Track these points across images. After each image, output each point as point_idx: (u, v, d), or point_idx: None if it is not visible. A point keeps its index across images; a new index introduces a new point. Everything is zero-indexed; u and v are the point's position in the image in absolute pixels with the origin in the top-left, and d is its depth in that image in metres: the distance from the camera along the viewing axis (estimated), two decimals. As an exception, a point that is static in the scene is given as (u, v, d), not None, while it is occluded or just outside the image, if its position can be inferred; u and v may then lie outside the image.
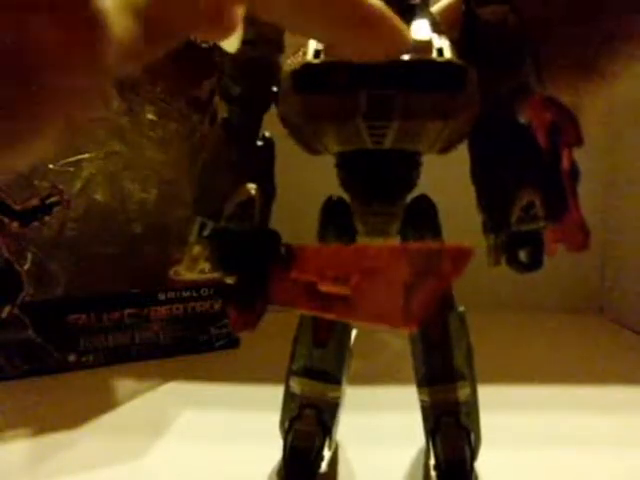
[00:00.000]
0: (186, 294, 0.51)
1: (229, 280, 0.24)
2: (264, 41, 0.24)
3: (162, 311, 0.50)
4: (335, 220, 0.26)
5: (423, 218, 0.26)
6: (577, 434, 0.37)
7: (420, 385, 0.26)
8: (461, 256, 0.16)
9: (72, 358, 0.47)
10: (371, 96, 0.21)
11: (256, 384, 0.43)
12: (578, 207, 0.21)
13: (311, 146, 0.24)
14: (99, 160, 0.49)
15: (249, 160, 0.25)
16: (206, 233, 0.24)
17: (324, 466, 0.31)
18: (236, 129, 0.25)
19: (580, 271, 0.62)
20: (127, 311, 0.49)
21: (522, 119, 0.22)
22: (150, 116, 0.53)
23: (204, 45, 0.51)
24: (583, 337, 0.57)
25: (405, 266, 0.17)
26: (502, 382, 0.43)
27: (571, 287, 0.63)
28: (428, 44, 0.22)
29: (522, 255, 0.21)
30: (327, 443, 0.30)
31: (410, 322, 0.17)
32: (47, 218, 0.46)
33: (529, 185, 0.21)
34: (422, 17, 0.26)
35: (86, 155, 0.48)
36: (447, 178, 0.42)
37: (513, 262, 0.22)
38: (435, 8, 0.29)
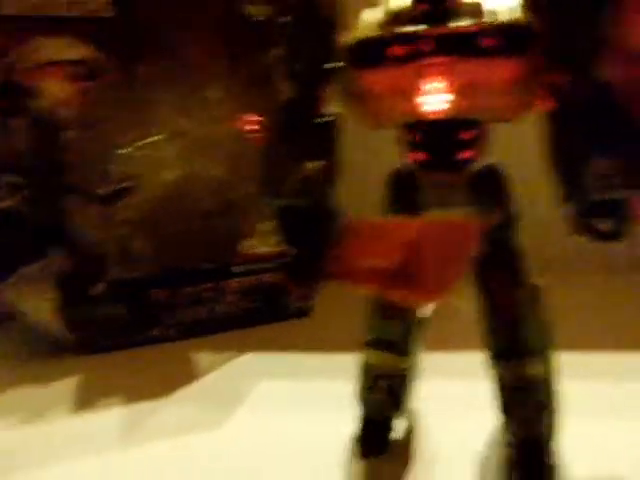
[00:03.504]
0: (257, 266, 0.52)
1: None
2: (318, 19, 0.24)
3: (235, 284, 0.52)
4: (401, 192, 0.26)
5: (491, 188, 0.25)
6: None
7: (489, 360, 0.26)
8: (469, 230, 0.17)
9: (155, 332, 0.50)
10: (427, 66, 0.21)
11: (327, 352, 0.44)
12: None
13: (371, 120, 0.24)
14: (167, 141, 0.51)
15: (311, 137, 0.25)
16: (273, 209, 0.25)
17: (397, 435, 0.31)
18: (298, 106, 0.25)
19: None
20: (203, 285, 0.51)
21: (601, 78, 0.21)
22: (214, 92, 0.54)
23: (259, 18, 0.50)
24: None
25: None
26: (582, 348, 0.42)
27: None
28: (478, 6, 0.21)
29: (602, 224, 0.20)
30: (398, 413, 0.31)
31: (430, 293, 0.18)
32: (124, 202, 0.48)
33: (608, 153, 0.20)
34: None
35: (155, 138, 0.50)
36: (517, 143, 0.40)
37: (593, 231, 0.21)
38: None
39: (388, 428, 0.31)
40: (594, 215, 0.21)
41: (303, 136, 0.25)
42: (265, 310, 0.53)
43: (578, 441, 0.28)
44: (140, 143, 0.49)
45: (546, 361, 0.26)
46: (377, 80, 0.22)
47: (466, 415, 0.34)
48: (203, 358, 0.47)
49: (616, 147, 0.20)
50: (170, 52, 0.51)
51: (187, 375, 0.43)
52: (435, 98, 0.21)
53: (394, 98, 0.22)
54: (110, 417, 0.38)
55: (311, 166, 0.24)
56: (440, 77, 0.21)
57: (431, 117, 0.22)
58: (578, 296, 0.49)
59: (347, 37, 0.23)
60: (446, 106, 0.21)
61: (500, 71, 0.20)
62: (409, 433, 0.33)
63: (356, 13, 0.24)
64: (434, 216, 0.24)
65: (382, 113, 0.23)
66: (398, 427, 0.32)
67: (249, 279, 0.52)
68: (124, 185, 0.48)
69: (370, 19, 0.22)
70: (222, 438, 0.35)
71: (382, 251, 0.21)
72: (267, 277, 0.52)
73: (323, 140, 0.25)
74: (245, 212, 0.54)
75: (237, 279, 0.51)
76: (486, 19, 0.21)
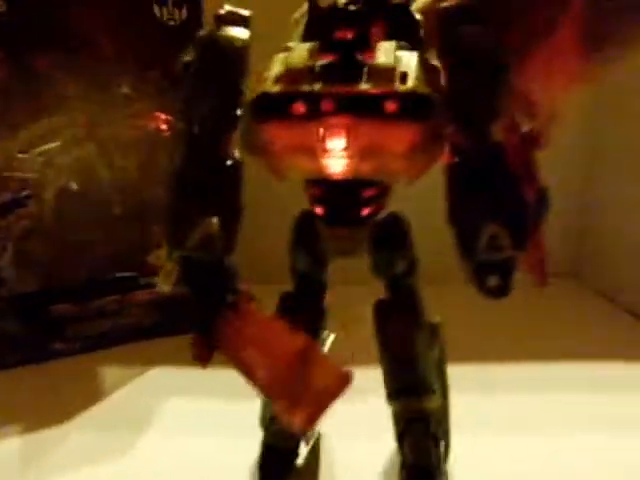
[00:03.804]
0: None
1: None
2: (229, 62, 0.24)
3: (144, 295, 0.51)
4: (305, 238, 0.27)
5: (394, 236, 0.26)
6: (551, 415, 0.38)
7: (388, 396, 0.27)
8: (339, 382, 0.18)
9: (58, 346, 0.48)
10: (329, 125, 0.21)
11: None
12: (540, 244, 0.21)
13: (274, 172, 0.24)
14: (69, 144, 0.48)
15: (214, 183, 0.24)
16: (174, 257, 0.25)
17: (300, 460, 0.32)
18: (201, 150, 0.25)
19: (558, 236, 0.63)
20: (109, 298, 0.49)
21: (493, 146, 0.22)
22: (125, 90, 0.52)
23: (172, 23, 0.49)
24: (559, 303, 0.58)
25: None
26: (479, 360, 0.45)
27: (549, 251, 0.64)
28: (390, 71, 0.21)
29: (491, 281, 0.22)
30: (304, 440, 0.32)
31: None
32: (21, 211, 0.45)
33: (495, 218, 0.21)
34: (397, 28, 0.25)
35: (57, 143, 0.47)
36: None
37: (481, 288, 0.22)
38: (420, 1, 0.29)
39: (291, 455, 0.31)
40: (483, 273, 0.22)
41: (206, 180, 0.24)
42: (173, 322, 0.52)
43: (463, 459, 0.31)
44: (42, 148, 0.47)
45: (442, 394, 0.28)
46: (279, 136, 0.21)
47: (370, 436, 0.35)
48: (109, 373, 0.46)
49: (503, 209, 0.21)
50: (76, 45, 0.48)
51: (92, 393, 0.42)
52: (336, 159, 0.21)
53: (295, 155, 0.22)
54: (7, 447, 0.36)
55: (213, 221, 0.24)
56: (341, 138, 0.21)
57: (332, 177, 0.22)
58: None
59: (251, 89, 0.23)
60: (347, 167, 0.21)
61: (401, 136, 0.21)
62: (313, 457, 0.34)
63: (263, 63, 0.23)
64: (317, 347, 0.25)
65: (283, 168, 0.23)
66: (302, 452, 0.33)
67: (157, 290, 0.51)
68: (23, 194, 0.45)
69: (276, 72, 0.22)
70: (129, 467, 0.34)
71: (263, 352, 0.22)
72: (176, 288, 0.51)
73: (227, 185, 0.25)
74: (156, 220, 0.52)
75: (146, 291, 0.50)
76: (392, 83, 0.21)
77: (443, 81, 0.22)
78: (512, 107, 0.24)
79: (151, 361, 0.47)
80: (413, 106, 0.20)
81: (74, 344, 0.48)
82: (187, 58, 0.25)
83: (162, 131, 0.54)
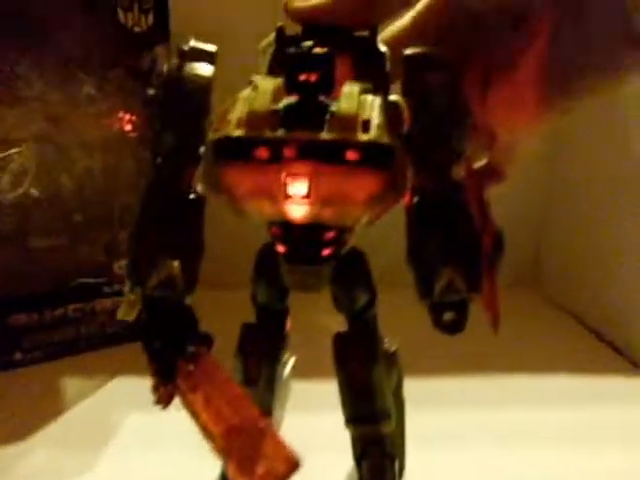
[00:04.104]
0: (131, 286, 0.51)
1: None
2: (192, 100, 0.24)
3: (107, 303, 0.50)
4: (266, 269, 0.27)
5: (354, 272, 0.26)
6: (504, 429, 0.39)
7: (346, 421, 0.28)
8: (287, 466, 0.18)
9: (18, 356, 0.47)
10: (291, 171, 0.21)
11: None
12: (493, 288, 0.22)
13: (235, 212, 0.24)
14: (30, 149, 0.47)
15: (176, 221, 0.24)
16: (136, 292, 0.25)
17: None
18: (165, 185, 0.25)
19: (516, 245, 0.65)
20: (72, 306, 0.49)
21: (452, 189, 0.22)
22: (88, 90, 0.51)
23: (137, 30, 0.48)
24: (516, 313, 0.59)
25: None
26: (431, 373, 0.46)
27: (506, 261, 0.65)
28: (352, 120, 0.21)
29: (446, 316, 0.22)
30: None
31: None
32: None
33: (452, 262, 0.22)
34: (363, 61, 0.25)
35: (15, 150, 0.46)
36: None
37: (437, 324, 0.23)
38: (387, 32, 0.28)
39: None
40: (439, 310, 0.22)
41: (168, 217, 0.24)
42: (137, 329, 0.52)
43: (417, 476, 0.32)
44: (2, 154, 0.46)
45: (398, 417, 0.29)
46: (241, 180, 0.21)
47: (330, 449, 0.36)
48: (71, 384, 0.45)
49: (459, 254, 0.22)
50: (37, 44, 0.47)
51: (53, 407, 0.42)
52: (297, 205, 0.21)
53: (257, 199, 0.22)
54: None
55: (174, 264, 0.24)
56: (303, 184, 0.21)
57: (294, 221, 0.22)
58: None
59: (214, 129, 0.22)
60: (308, 213, 0.21)
61: (362, 185, 0.21)
62: None
63: (229, 97, 0.23)
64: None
65: (245, 210, 0.23)
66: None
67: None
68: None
69: (239, 115, 0.22)
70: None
71: (216, 414, 0.23)
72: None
73: (189, 221, 0.25)
74: (121, 227, 0.52)
75: (110, 299, 0.50)
76: (353, 132, 0.21)
77: (406, 121, 0.23)
78: (472, 140, 0.24)
79: (115, 369, 0.46)
80: (374, 156, 0.20)
81: (34, 354, 0.48)
82: (152, 91, 0.24)
83: (127, 132, 0.53)
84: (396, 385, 0.29)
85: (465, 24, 0.27)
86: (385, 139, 0.21)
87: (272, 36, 0.26)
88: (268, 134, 0.21)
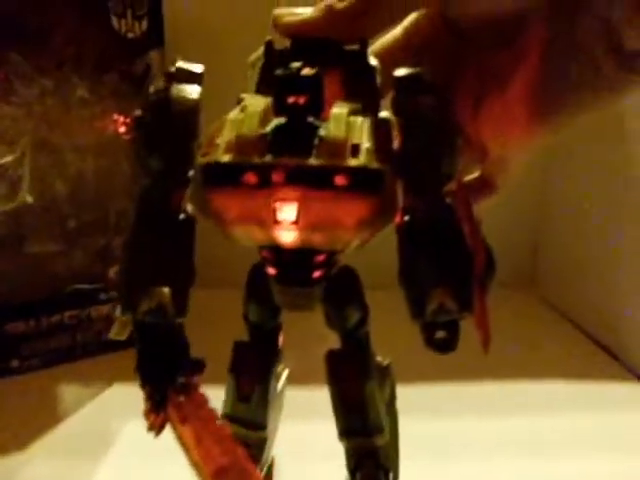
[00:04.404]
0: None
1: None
2: (179, 123, 0.24)
3: (104, 310, 0.50)
4: (257, 290, 0.27)
5: (344, 292, 0.26)
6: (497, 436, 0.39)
7: (339, 435, 0.28)
8: None
9: (15, 364, 0.47)
10: (279, 197, 0.21)
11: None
12: (484, 307, 0.22)
13: (224, 235, 0.24)
14: (25, 156, 0.47)
15: (166, 245, 0.24)
16: (127, 316, 0.25)
17: None
18: (153, 208, 0.24)
19: (513, 248, 0.65)
20: (67, 313, 0.49)
21: (443, 209, 0.22)
22: (81, 93, 0.51)
23: (131, 36, 0.48)
24: (513, 314, 0.60)
25: None
26: (423, 379, 0.45)
27: (502, 261, 0.65)
28: (341, 145, 0.21)
29: (438, 338, 0.22)
30: (258, 468, 0.33)
31: None
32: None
33: (443, 283, 0.21)
34: (353, 75, 0.25)
35: (10, 157, 0.46)
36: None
37: (429, 343, 0.22)
38: (378, 45, 0.29)
39: None
40: (431, 329, 0.22)
41: (157, 242, 0.24)
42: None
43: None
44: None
45: (391, 428, 0.29)
46: (229, 206, 0.21)
47: (324, 458, 0.36)
48: (68, 391, 0.46)
49: (450, 275, 0.22)
50: (31, 48, 0.47)
51: (51, 415, 0.42)
52: (286, 230, 0.21)
53: (246, 225, 0.21)
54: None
55: (164, 290, 0.23)
56: (292, 210, 0.21)
57: (283, 246, 0.22)
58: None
59: (203, 152, 0.22)
60: (297, 239, 0.21)
61: (351, 210, 0.20)
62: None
63: (215, 126, 0.23)
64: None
65: (234, 235, 0.23)
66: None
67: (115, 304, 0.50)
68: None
69: (227, 139, 0.22)
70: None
71: (202, 449, 0.23)
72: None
73: (179, 243, 0.24)
74: (117, 232, 0.52)
75: (106, 306, 0.50)
76: (342, 158, 0.20)
77: (396, 142, 0.22)
78: (463, 154, 0.24)
79: (112, 376, 0.46)
80: (363, 181, 0.20)
81: (31, 361, 0.48)
82: (138, 113, 0.24)
83: (121, 134, 0.53)
84: (389, 397, 0.29)
85: (453, 40, 0.27)
86: (374, 164, 0.21)
87: (261, 50, 0.26)
88: (256, 159, 0.21)
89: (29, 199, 0.48)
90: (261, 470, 0.33)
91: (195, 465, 0.24)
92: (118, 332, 0.26)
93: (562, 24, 0.24)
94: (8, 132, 0.46)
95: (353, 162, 0.20)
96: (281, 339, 0.31)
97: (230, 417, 0.30)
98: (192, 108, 0.24)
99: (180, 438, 0.24)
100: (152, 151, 0.24)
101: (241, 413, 0.29)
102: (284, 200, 0.21)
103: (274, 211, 0.21)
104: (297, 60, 0.22)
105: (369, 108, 0.24)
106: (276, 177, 0.21)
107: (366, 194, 0.20)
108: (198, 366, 0.25)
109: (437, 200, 0.22)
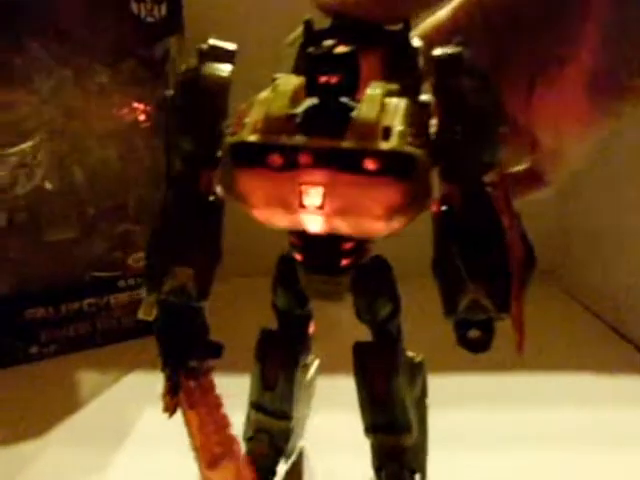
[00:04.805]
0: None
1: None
2: (209, 102, 0.23)
3: (123, 298, 0.50)
4: (286, 278, 0.26)
5: (375, 283, 0.25)
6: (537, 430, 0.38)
7: (365, 430, 0.27)
8: None
9: (34, 350, 0.47)
10: (305, 180, 0.20)
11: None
12: (520, 309, 0.20)
13: (253, 218, 0.23)
14: (44, 142, 0.47)
15: (194, 223, 0.24)
16: (152, 297, 0.25)
17: (280, 478, 0.32)
18: (184, 188, 0.24)
19: (535, 235, 0.63)
20: (87, 301, 0.49)
21: (482, 201, 0.21)
22: (99, 79, 0.50)
23: (150, 20, 0.47)
24: (535, 307, 0.58)
25: None
26: (444, 370, 0.44)
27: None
28: (372, 126, 0.20)
29: (471, 337, 0.21)
30: (284, 456, 0.32)
31: None
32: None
33: (476, 280, 0.20)
34: (394, 61, 0.24)
35: (29, 143, 0.46)
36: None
37: (461, 341, 0.22)
38: (424, 26, 0.27)
39: (268, 474, 0.31)
40: (465, 327, 0.21)
41: (185, 222, 0.24)
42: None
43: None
44: (15, 148, 0.45)
45: (420, 428, 0.27)
46: (255, 187, 0.21)
47: (354, 449, 0.35)
48: (87, 378, 0.46)
49: (486, 272, 0.21)
50: (50, 36, 0.46)
51: (70, 401, 0.42)
52: (312, 216, 0.20)
53: (272, 208, 0.21)
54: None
55: (188, 272, 0.23)
56: (317, 194, 0.20)
57: (309, 231, 0.21)
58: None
59: (232, 132, 0.22)
60: (323, 225, 0.21)
61: (380, 196, 0.19)
62: (295, 472, 0.34)
63: (245, 105, 0.22)
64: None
65: (261, 217, 0.22)
66: (278, 473, 0.32)
67: (137, 292, 0.50)
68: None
69: (255, 118, 0.21)
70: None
71: (203, 433, 0.24)
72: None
73: (207, 225, 0.24)
74: (136, 219, 0.51)
75: (125, 294, 0.50)
76: (373, 140, 0.19)
77: (434, 126, 0.21)
78: (512, 144, 0.23)
79: (130, 364, 0.46)
80: (394, 165, 0.19)
81: (50, 347, 0.48)
82: (170, 92, 0.24)
83: (140, 122, 0.53)
84: (420, 396, 0.28)
85: (504, 21, 0.25)
86: (407, 148, 0.20)
87: (299, 30, 0.25)
88: (284, 140, 0.20)
89: (48, 186, 0.48)
90: (286, 460, 0.33)
91: (196, 451, 0.24)
92: (145, 312, 0.26)
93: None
94: (26, 120, 0.46)
95: (384, 145, 0.19)
96: (312, 328, 0.30)
97: (255, 405, 0.30)
98: (222, 86, 0.23)
99: (187, 423, 0.24)
100: (181, 130, 0.24)
101: (266, 402, 0.29)
102: (310, 183, 0.20)
103: (300, 195, 0.20)
104: (336, 39, 0.21)
105: (409, 90, 0.22)
106: (303, 159, 0.20)
107: (396, 179, 0.19)
108: (214, 350, 0.25)
109: (475, 190, 0.21)
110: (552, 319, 0.55)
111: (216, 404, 0.25)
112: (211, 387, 0.25)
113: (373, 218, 0.20)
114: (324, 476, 0.34)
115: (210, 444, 0.24)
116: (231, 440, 0.25)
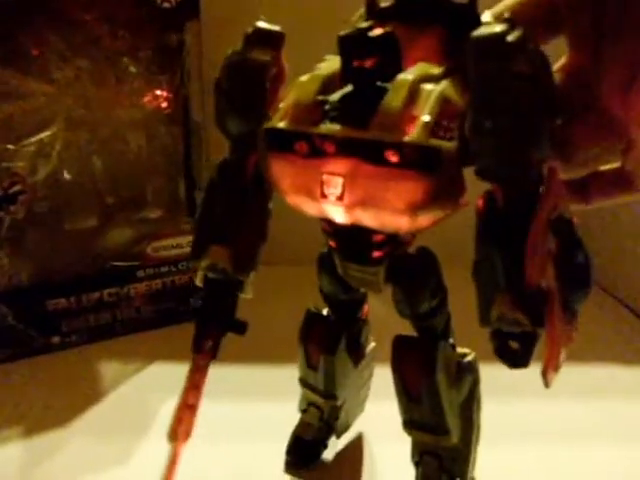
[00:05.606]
0: (164, 269, 0.50)
1: None
2: (253, 86, 0.23)
3: (142, 287, 0.50)
4: (328, 268, 0.26)
5: (416, 276, 0.24)
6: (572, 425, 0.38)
7: (403, 424, 0.26)
8: None
9: (56, 340, 0.47)
10: (328, 168, 0.20)
11: (237, 363, 0.44)
12: (554, 323, 0.19)
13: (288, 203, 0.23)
14: (61, 132, 0.46)
15: (237, 203, 0.24)
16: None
17: (327, 454, 0.33)
18: (230, 169, 0.24)
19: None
20: (107, 291, 0.48)
21: (521, 206, 0.19)
22: (116, 68, 0.50)
23: (167, 6, 0.46)
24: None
25: None
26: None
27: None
28: (398, 116, 0.19)
29: (509, 349, 0.20)
30: (335, 433, 0.33)
31: None
32: (12, 207, 0.44)
33: (508, 291, 0.19)
34: (457, 38, 0.21)
35: (47, 133, 0.45)
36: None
37: (498, 355, 0.20)
38: (503, 4, 0.24)
39: (318, 447, 0.33)
40: (500, 338, 0.20)
41: (229, 202, 0.24)
42: (173, 311, 0.51)
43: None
44: (34, 138, 0.45)
45: (464, 432, 0.26)
46: (284, 173, 0.21)
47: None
48: (109, 368, 0.46)
49: (519, 279, 0.19)
50: (69, 26, 0.46)
51: (92, 391, 0.42)
52: (334, 206, 0.20)
53: (299, 195, 0.21)
54: (5, 455, 0.36)
55: (221, 251, 0.24)
56: (338, 182, 0.19)
57: (335, 221, 0.21)
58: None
59: (272, 115, 0.22)
60: (345, 216, 0.20)
61: (402, 190, 0.19)
62: (348, 452, 0.34)
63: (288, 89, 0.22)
64: None
65: (292, 204, 0.22)
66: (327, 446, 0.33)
67: (155, 282, 0.50)
68: (16, 189, 0.44)
69: (286, 104, 0.21)
70: (131, 475, 0.34)
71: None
72: (175, 279, 0.51)
73: (252, 205, 0.25)
74: (154, 209, 0.51)
75: (143, 283, 0.50)
76: (398, 131, 0.19)
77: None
78: (604, 140, 0.21)
79: (151, 354, 0.46)
80: (415, 158, 0.18)
81: (71, 337, 0.48)
82: (218, 76, 0.24)
83: (159, 109, 0.52)
84: (466, 397, 0.27)
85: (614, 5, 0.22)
86: (432, 141, 0.18)
87: (362, 9, 0.24)
88: (310, 128, 0.20)
89: (67, 176, 0.47)
90: (338, 437, 0.34)
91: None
92: (201, 280, 0.27)
93: None
94: (43, 109, 0.46)
95: (406, 137, 0.18)
96: (365, 310, 0.30)
97: (303, 382, 0.31)
98: (264, 68, 0.23)
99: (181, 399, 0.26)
100: (228, 113, 0.24)
101: (311, 380, 0.30)
102: (331, 173, 0.19)
103: (322, 184, 0.20)
104: (395, 17, 0.21)
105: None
106: (328, 147, 0.19)
107: (419, 173, 0.18)
108: (238, 326, 0.26)
109: (518, 193, 0.19)
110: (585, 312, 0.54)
111: (197, 385, 0.26)
112: (204, 365, 0.26)
113: (395, 212, 0.19)
114: (381, 462, 0.34)
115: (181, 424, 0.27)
116: (181, 421, 0.27)
